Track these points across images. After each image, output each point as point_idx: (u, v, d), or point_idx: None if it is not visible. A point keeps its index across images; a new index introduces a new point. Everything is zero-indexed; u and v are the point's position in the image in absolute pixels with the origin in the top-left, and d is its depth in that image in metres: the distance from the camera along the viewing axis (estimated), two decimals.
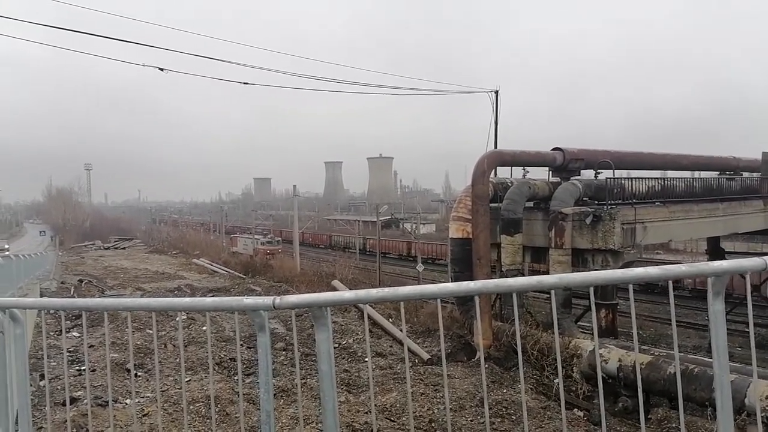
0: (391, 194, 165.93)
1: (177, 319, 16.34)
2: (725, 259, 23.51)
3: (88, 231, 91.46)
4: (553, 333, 3.63)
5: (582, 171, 18.63)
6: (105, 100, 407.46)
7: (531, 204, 17.94)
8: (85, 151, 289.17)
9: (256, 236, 56.96)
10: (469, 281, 3.24)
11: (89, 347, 14.19)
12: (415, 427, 10.11)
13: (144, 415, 9.85)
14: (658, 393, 12.47)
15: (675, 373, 11.82)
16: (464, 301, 16.96)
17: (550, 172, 18.77)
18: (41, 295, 20.74)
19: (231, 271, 39.66)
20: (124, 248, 66.34)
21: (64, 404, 9.01)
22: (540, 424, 10.86)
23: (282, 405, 10.82)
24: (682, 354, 14.93)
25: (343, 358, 15.53)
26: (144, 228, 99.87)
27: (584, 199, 17.37)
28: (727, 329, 2.99)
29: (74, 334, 15.79)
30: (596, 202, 17.24)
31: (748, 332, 3.21)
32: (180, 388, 11.16)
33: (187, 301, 3.51)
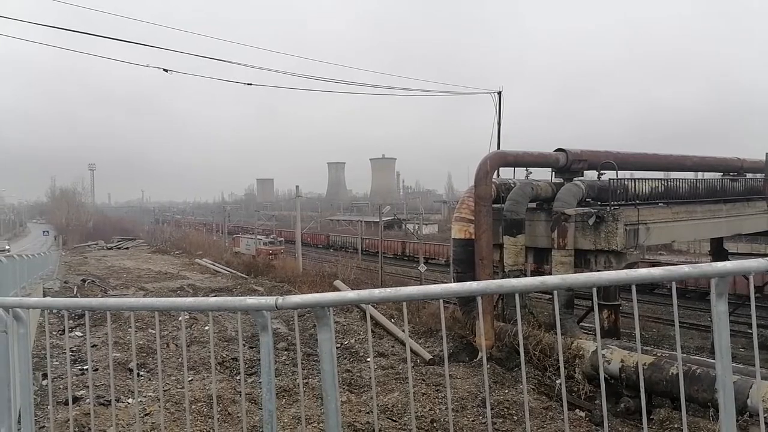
0: (393, 195, 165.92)
1: (179, 318, 16.37)
2: (728, 260, 23.45)
3: (92, 231, 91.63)
4: (555, 333, 3.63)
5: (585, 172, 18.61)
6: (109, 100, 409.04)
7: (534, 205, 17.92)
8: (89, 152, 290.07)
9: (258, 236, 57.02)
10: (472, 282, 3.24)
11: (92, 347, 14.21)
12: (416, 427, 10.10)
13: (146, 415, 9.88)
14: (661, 394, 12.46)
15: (677, 373, 11.81)
16: (466, 301, 16.95)
17: (553, 173, 18.75)
18: (44, 295, 20.80)
19: (233, 271, 39.69)
20: (127, 248, 66.45)
21: (66, 403, 9.04)
22: (542, 424, 10.85)
23: (284, 405, 10.84)
24: (684, 355, 14.89)
25: (345, 358, 15.54)
26: (147, 228, 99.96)
27: (587, 200, 17.34)
28: (730, 330, 2.98)
29: (77, 333, 15.83)
30: (599, 203, 17.21)
31: (751, 333, 3.20)
32: (182, 388, 11.18)
33: (190, 300, 3.53)
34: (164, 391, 11.01)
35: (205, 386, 11.59)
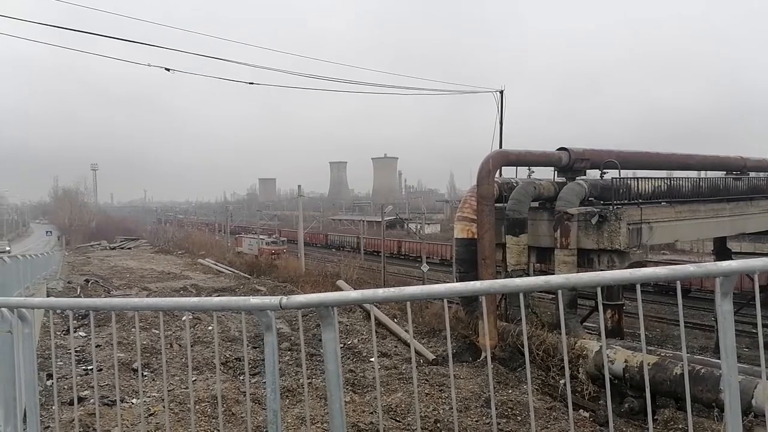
0: (395, 194, 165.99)
1: (183, 319, 16.40)
2: (732, 259, 23.38)
3: (94, 231, 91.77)
4: (559, 333, 3.62)
5: (588, 171, 18.57)
6: (111, 100, 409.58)
7: (536, 204, 17.90)
8: (91, 151, 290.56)
9: (261, 236, 57.09)
10: (476, 281, 3.24)
11: (96, 347, 14.25)
12: (420, 428, 10.10)
13: (150, 415, 9.89)
14: (665, 394, 12.43)
15: (681, 373, 11.78)
16: (469, 301, 16.94)
17: (556, 172, 18.72)
18: (48, 295, 20.86)
19: (236, 271, 39.74)
20: (129, 248, 66.57)
21: (71, 403, 9.07)
22: (545, 424, 10.84)
23: (287, 405, 10.84)
24: (688, 355, 14.85)
25: (348, 358, 15.54)
26: (150, 228, 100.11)
27: (590, 199, 17.32)
28: (735, 330, 2.97)
29: (81, 333, 15.86)
30: (602, 202, 17.18)
31: (755, 333, 3.20)
32: (186, 388, 11.19)
33: (194, 300, 3.54)
34: (168, 391, 11.03)
35: (209, 386, 11.61)
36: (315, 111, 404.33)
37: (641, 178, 18.35)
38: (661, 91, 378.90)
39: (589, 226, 16.10)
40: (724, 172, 23.35)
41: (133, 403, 10.34)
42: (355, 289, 21.43)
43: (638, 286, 3.00)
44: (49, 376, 9.47)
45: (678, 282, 3.01)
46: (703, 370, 11.73)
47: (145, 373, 12.56)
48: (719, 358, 2.99)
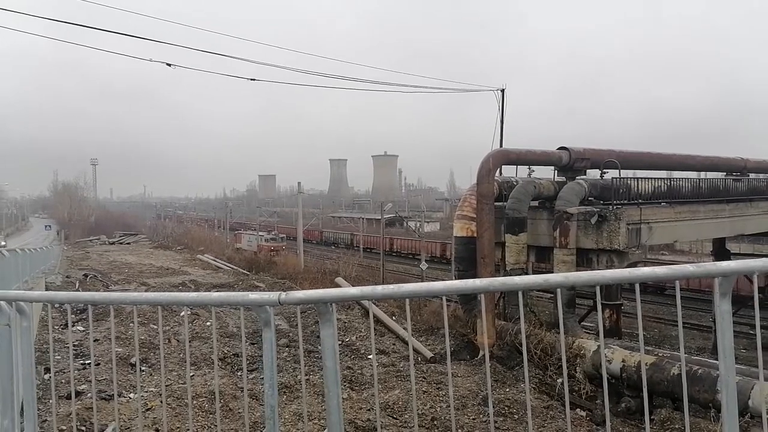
0: (395, 192, 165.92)
1: (182, 314, 16.40)
2: (731, 260, 23.38)
3: (94, 226, 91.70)
4: (557, 333, 3.62)
5: (588, 170, 18.57)
6: (111, 95, 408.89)
7: (536, 203, 17.90)
8: (91, 146, 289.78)
9: (260, 233, 57.11)
10: (475, 279, 3.24)
11: (94, 341, 14.26)
12: (417, 425, 10.11)
13: (148, 410, 9.90)
14: (662, 394, 12.46)
15: (678, 374, 11.81)
16: (467, 299, 16.96)
17: (556, 171, 18.72)
18: (46, 289, 20.85)
19: (235, 267, 39.76)
20: (128, 243, 66.54)
21: (68, 397, 9.08)
22: (543, 423, 10.86)
23: (285, 401, 10.85)
24: (685, 355, 14.88)
25: (346, 355, 15.56)
26: (149, 223, 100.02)
27: (589, 198, 17.32)
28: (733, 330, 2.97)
29: (79, 328, 15.86)
30: (602, 201, 17.19)
31: (753, 334, 3.21)
32: (183, 383, 11.19)
33: (193, 295, 3.54)
34: (166, 386, 11.03)
35: (206, 382, 11.61)
36: (316, 108, 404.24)
37: (641, 178, 18.36)
38: (661, 91, 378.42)
39: (588, 225, 16.10)
40: (725, 173, 23.37)
41: (130, 398, 10.34)
42: (353, 286, 21.42)
43: (637, 286, 3.00)
44: (47, 370, 9.47)
45: (677, 282, 3.01)
46: (700, 371, 11.75)
47: (142, 368, 12.56)
48: (716, 359, 2.98)
